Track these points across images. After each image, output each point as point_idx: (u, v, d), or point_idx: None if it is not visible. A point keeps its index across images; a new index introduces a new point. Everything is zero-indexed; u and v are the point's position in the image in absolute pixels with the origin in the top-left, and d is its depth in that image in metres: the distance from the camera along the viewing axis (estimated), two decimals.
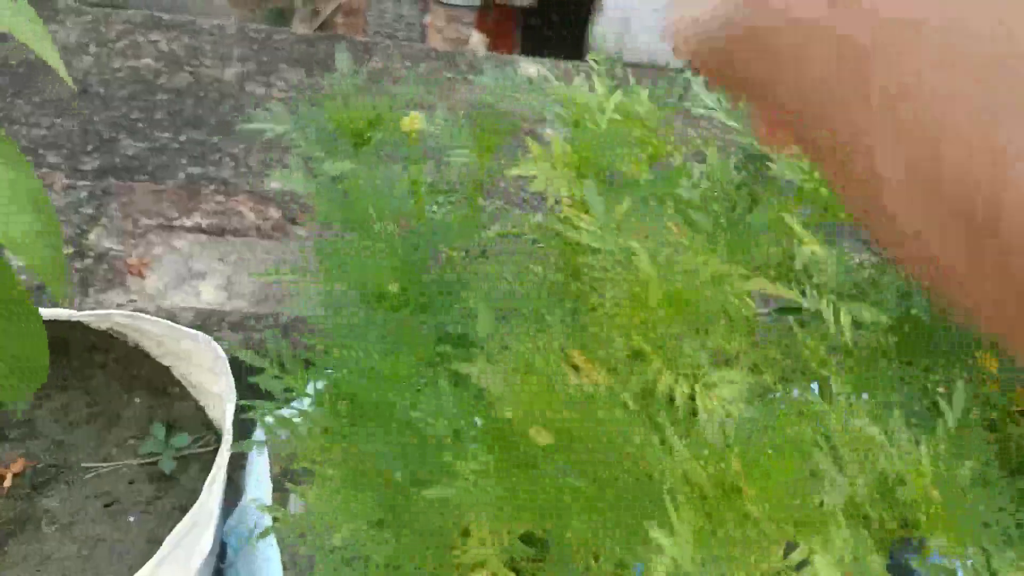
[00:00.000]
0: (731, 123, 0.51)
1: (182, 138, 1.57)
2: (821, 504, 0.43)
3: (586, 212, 0.46)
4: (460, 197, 0.63)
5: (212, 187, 1.34)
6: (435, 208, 0.62)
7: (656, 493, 0.42)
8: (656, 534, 0.39)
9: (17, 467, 0.88)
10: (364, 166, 0.57)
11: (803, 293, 0.52)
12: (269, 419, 0.80)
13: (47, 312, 0.92)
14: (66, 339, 0.96)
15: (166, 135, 1.56)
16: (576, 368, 0.47)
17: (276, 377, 0.52)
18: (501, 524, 0.42)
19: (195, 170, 1.46)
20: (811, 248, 0.46)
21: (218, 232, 1.19)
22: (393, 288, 0.51)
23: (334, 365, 0.48)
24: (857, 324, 0.57)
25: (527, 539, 0.57)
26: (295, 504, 0.90)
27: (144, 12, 1.88)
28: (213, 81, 1.72)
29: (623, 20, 2.59)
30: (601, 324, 0.47)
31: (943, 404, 0.46)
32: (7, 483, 0.86)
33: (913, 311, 0.59)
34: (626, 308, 0.44)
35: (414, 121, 0.58)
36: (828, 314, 0.51)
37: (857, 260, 0.57)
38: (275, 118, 0.61)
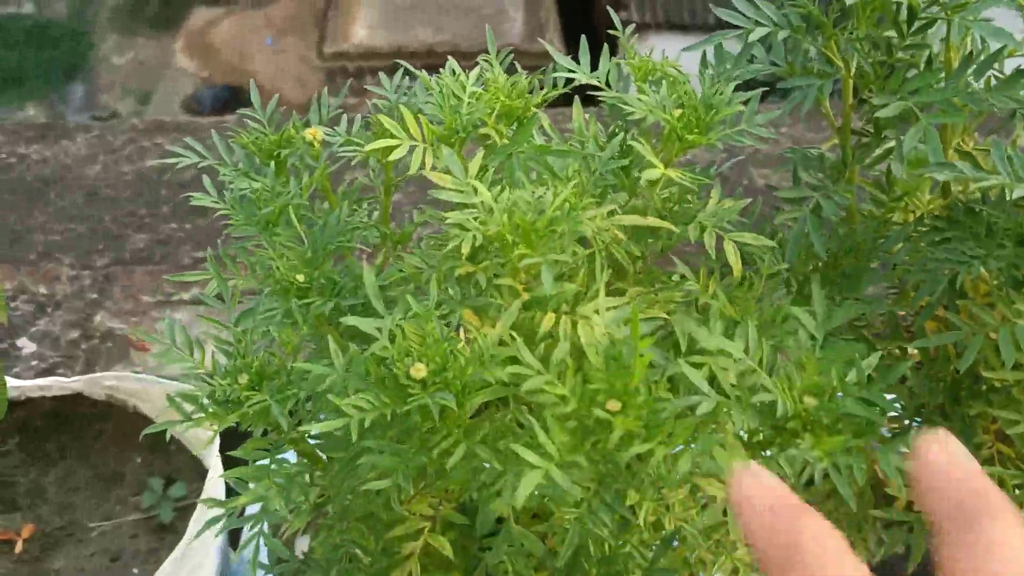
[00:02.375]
0: (592, 81, 0.54)
1: (187, 226, 1.65)
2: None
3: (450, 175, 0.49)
4: (378, 200, 0.67)
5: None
6: (356, 211, 0.66)
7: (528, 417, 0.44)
8: (522, 452, 0.41)
9: (27, 532, 0.92)
10: (274, 179, 0.61)
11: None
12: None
13: (45, 382, 0.97)
14: (68, 413, 1.01)
15: (172, 226, 1.64)
16: (470, 326, 0.50)
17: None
18: (391, 464, 0.44)
19: (199, 254, 1.54)
20: (657, 170, 0.48)
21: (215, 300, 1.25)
22: (299, 279, 0.55)
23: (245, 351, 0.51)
24: (750, 265, 0.59)
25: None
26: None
27: (148, 119, 1.99)
28: (215, 171, 1.81)
29: None
30: (474, 278, 0.50)
31: (803, 316, 0.47)
32: (18, 548, 0.90)
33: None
34: (487, 251, 0.47)
35: (314, 134, 0.62)
36: (710, 242, 0.53)
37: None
38: (190, 150, 0.66)
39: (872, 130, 0.62)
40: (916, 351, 0.64)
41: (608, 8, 0.65)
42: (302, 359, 0.51)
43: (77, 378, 0.94)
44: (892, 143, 0.62)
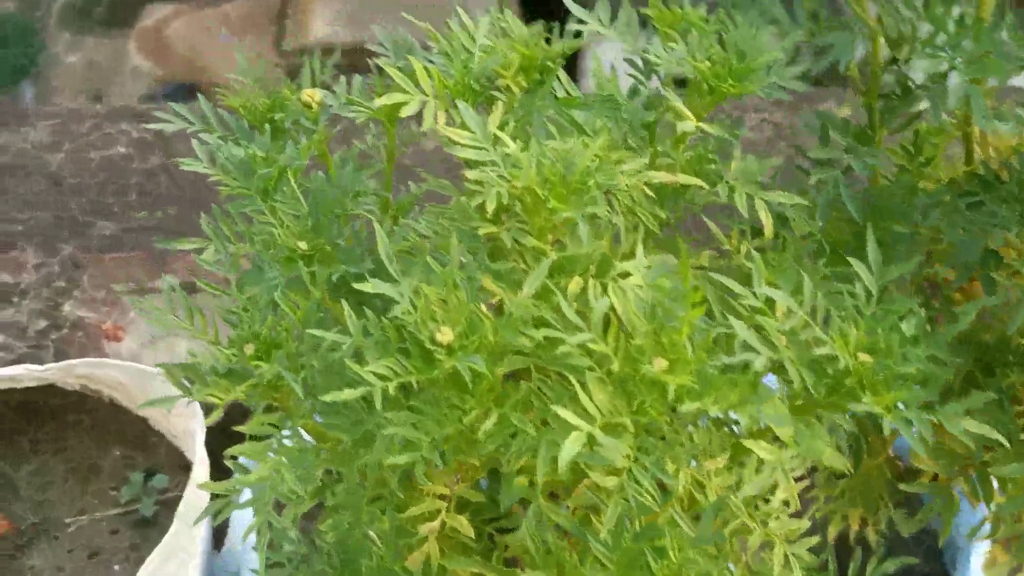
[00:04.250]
0: (606, 31, 0.51)
1: (157, 215, 1.59)
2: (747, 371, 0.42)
3: (467, 131, 0.46)
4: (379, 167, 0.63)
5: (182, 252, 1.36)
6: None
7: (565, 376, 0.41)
8: (564, 413, 0.38)
9: (0, 529, 0.87)
10: (269, 144, 0.57)
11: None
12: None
13: (15, 371, 0.92)
14: (39, 404, 0.96)
15: (141, 215, 1.59)
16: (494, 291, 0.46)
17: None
18: (414, 433, 0.40)
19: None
20: (691, 122, 0.45)
21: (190, 289, 1.19)
22: (302, 245, 0.51)
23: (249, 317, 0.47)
24: (783, 221, 0.56)
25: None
26: None
27: (113, 105, 1.93)
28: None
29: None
30: (497, 241, 0.46)
31: (859, 268, 0.44)
32: None
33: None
34: (509, 212, 0.44)
35: (312, 95, 0.59)
36: (740, 201, 0.50)
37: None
38: (176, 115, 0.62)
39: (900, 92, 0.60)
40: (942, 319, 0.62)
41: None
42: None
43: (49, 366, 0.89)
44: (921, 106, 0.59)
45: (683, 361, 0.39)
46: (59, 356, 1.10)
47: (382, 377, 0.39)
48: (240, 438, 0.53)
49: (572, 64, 0.53)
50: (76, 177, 1.68)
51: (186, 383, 0.45)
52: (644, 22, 0.53)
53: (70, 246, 1.46)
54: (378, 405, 0.38)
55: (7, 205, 1.58)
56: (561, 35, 0.55)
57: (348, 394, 0.39)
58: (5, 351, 1.10)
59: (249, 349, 0.44)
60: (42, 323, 1.15)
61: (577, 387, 0.38)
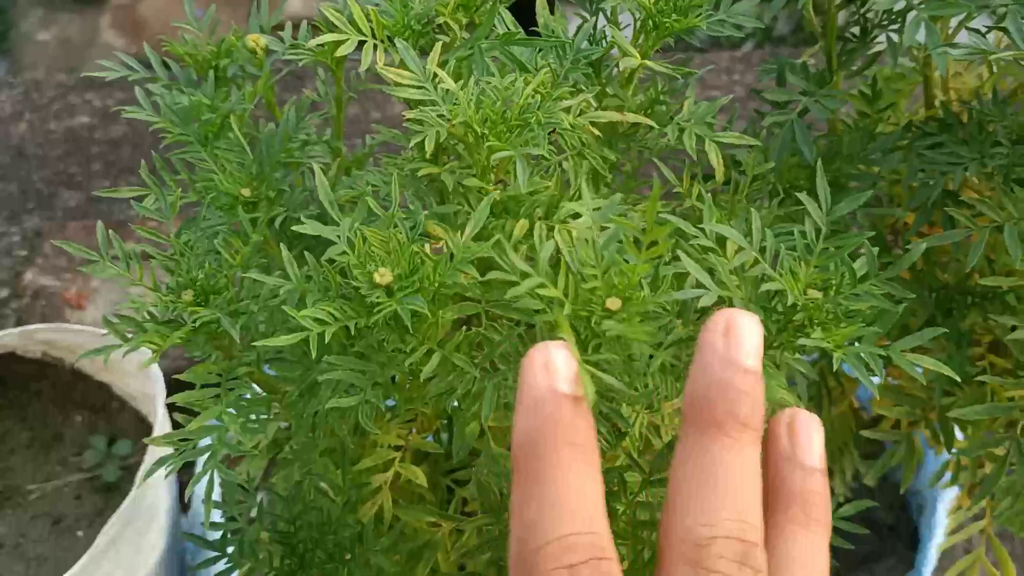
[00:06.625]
0: None
1: (120, 184, 1.56)
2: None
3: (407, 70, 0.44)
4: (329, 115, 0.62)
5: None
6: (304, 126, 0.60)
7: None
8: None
9: None
10: (213, 92, 0.56)
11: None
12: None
13: None
14: (1, 373, 0.95)
15: (104, 183, 1.56)
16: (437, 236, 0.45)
17: None
18: (356, 379, 0.40)
19: (133, 212, 1.46)
20: (634, 58, 0.44)
21: (148, 255, 1.18)
22: (245, 193, 0.50)
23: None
24: (737, 166, 0.55)
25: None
26: None
27: (76, 75, 1.89)
28: (148, 127, 1.72)
29: None
30: (436, 185, 0.45)
31: (809, 205, 0.44)
32: None
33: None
34: (452, 152, 0.43)
35: (256, 40, 0.57)
36: (690, 143, 0.49)
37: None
38: (121, 64, 0.60)
39: (858, 34, 0.59)
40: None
41: None
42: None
43: (10, 331, 0.87)
44: (880, 47, 0.58)
45: (637, 301, 0.38)
46: (21, 324, 1.09)
47: (320, 322, 0.38)
48: None
49: (531, 21, 0.52)
50: (39, 148, 1.65)
51: (128, 334, 0.44)
52: None
53: (35, 216, 1.44)
54: (314, 352, 0.37)
55: None
56: None
57: (286, 340, 0.38)
58: None
59: (187, 295, 0.42)
60: (3, 292, 1.13)
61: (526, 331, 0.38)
